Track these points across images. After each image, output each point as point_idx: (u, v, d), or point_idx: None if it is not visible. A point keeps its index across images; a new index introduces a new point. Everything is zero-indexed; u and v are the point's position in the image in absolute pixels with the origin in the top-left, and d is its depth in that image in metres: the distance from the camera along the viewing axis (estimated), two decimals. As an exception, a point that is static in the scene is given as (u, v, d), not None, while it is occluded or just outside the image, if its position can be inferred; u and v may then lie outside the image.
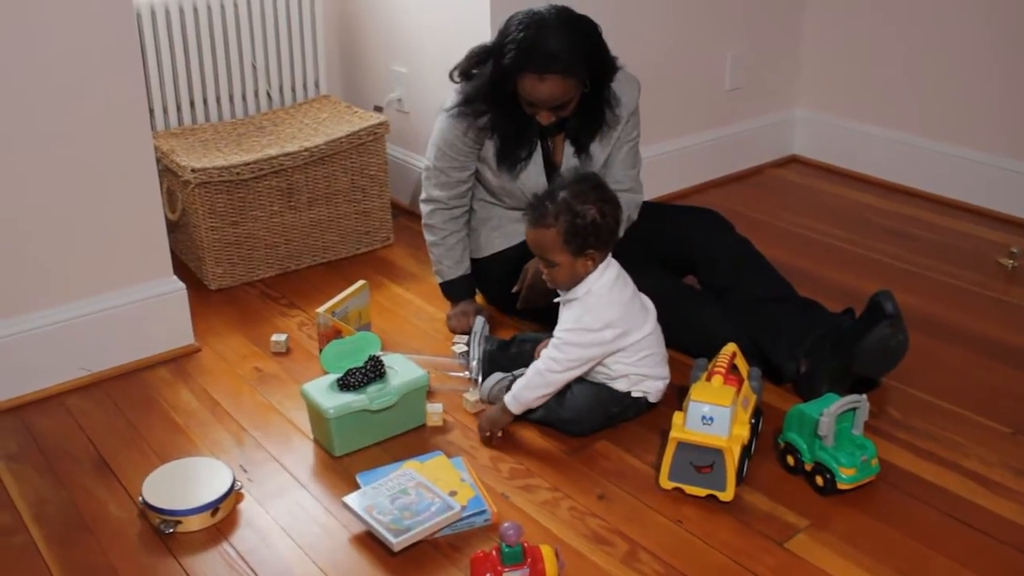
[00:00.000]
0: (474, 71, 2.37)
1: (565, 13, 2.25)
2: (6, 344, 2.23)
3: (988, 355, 2.42)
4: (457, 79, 2.41)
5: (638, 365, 2.11)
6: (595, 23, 2.28)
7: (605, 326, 2.04)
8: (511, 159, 2.40)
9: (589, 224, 2.01)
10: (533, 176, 2.43)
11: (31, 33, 2.08)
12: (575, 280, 2.07)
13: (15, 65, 2.08)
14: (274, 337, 2.48)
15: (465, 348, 2.37)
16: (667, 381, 2.17)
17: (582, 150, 2.41)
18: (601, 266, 2.07)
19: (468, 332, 2.43)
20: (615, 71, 2.35)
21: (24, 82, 2.10)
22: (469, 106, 2.36)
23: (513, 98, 2.29)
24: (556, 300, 2.14)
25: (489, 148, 2.42)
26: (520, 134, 2.37)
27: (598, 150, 2.42)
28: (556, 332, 2.08)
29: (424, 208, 2.55)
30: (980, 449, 2.07)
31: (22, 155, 2.15)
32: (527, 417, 2.15)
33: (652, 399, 2.15)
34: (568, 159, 2.43)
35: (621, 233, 2.17)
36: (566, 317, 2.08)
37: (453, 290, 2.59)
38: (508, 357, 2.27)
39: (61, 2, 2.09)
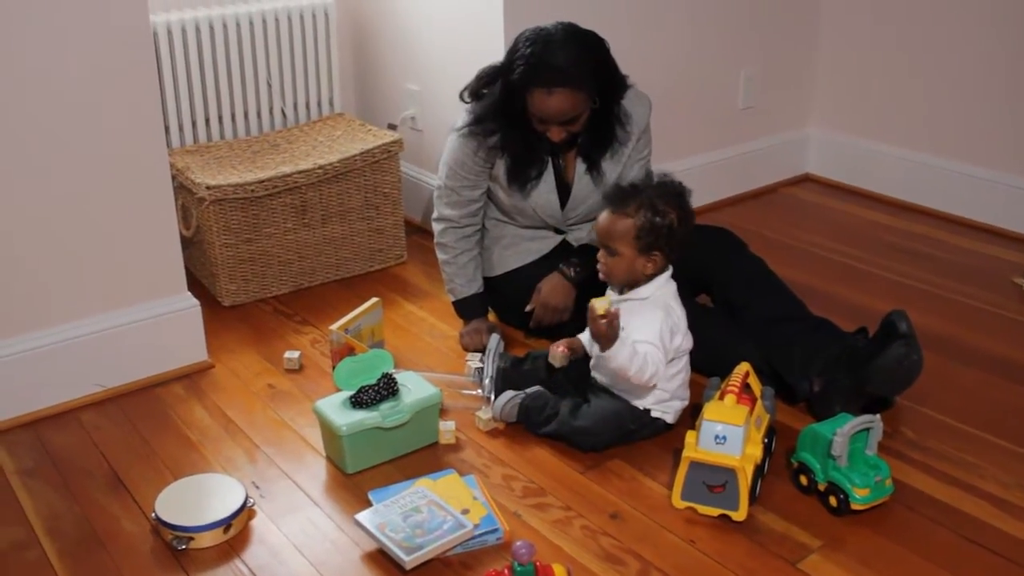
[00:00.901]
0: (484, 91, 2.39)
1: (571, 28, 2.27)
2: (21, 359, 2.24)
3: (1003, 375, 2.41)
4: (467, 99, 2.42)
5: (671, 381, 2.11)
6: (601, 38, 2.30)
7: (672, 330, 2.07)
8: (522, 178, 2.41)
9: (666, 226, 2.04)
10: (544, 194, 2.44)
11: (48, 50, 2.10)
12: (630, 278, 2.09)
13: (32, 82, 2.10)
14: (287, 354, 2.48)
15: (479, 365, 2.37)
16: (686, 403, 2.18)
17: (593, 167, 2.42)
18: (666, 274, 2.09)
19: (481, 350, 2.43)
20: (624, 87, 2.37)
21: (41, 99, 2.12)
22: (479, 125, 2.37)
23: (523, 115, 2.30)
24: (619, 296, 2.11)
25: (500, 167, 2.43)
26: (530, 152, 2.38)
27: (609, 167, 2.42)
28: (646, 337, 2.03)
29: (436, 227, 2.55)
30: (996, 470, 2.05)
31: (38, 171, 2.16)
32: (540, 431, 2.15)
33: (670, 420, 2.15)
34: (580, 177, 2.44)
35: None
36: (640, 323, 2.04)
37: (466, 308, 2.59)
38: (522, 375, 2.27)
39: (78, 20, 2.11)
